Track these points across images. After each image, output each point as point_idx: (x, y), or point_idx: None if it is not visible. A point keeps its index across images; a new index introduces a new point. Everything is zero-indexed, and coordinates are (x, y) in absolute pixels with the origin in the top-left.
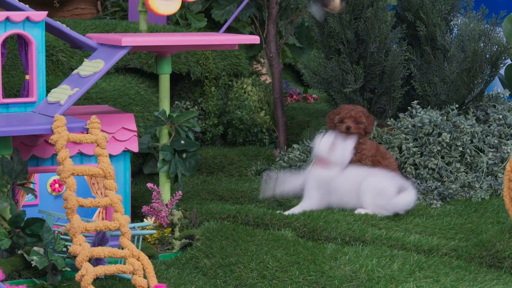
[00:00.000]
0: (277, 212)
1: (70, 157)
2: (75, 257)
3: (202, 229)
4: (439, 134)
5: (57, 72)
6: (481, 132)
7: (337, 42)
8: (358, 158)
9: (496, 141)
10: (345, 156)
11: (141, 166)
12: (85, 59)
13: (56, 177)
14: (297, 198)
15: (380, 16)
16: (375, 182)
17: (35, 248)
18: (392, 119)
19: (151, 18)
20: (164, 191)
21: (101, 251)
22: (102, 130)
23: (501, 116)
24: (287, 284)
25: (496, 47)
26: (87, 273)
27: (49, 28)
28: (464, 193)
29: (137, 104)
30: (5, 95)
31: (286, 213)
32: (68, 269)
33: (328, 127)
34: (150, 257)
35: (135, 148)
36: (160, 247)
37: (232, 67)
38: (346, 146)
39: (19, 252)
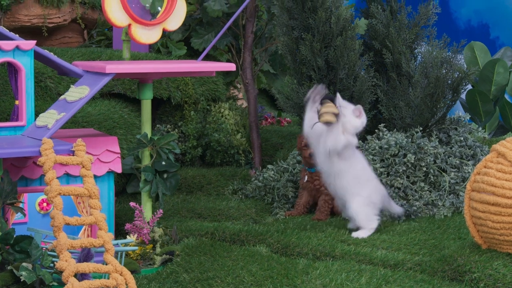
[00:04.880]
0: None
1: (57, 178)
2: (61, 272)
3: (181, 245)
4: (405, 155)
5: (45, 97)
6: (443, 153)
7: (309, 69)
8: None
9: (457, 161)
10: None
11: (125, 186)
12: (71, 85)
13: (44, 196)
14: (273, 215)
15: (348, 45)
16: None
17: (24, 264)
18: (360, 141)
19: (134, 46)
20: (146, 209)
21: (86, 266)
22: (87, 152)
23: (462, 138)
24: None
25: (457, 73)
26: (73, 287)
27: (37, 56)
28: (427, 210)
29: (120, 127)
30: None
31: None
32: (55, 283)
33: (297, 149)
34: (132, 272)
35: (118, 169)
36: (142, 263)
37: (210, 92)
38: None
39: (9, 267)
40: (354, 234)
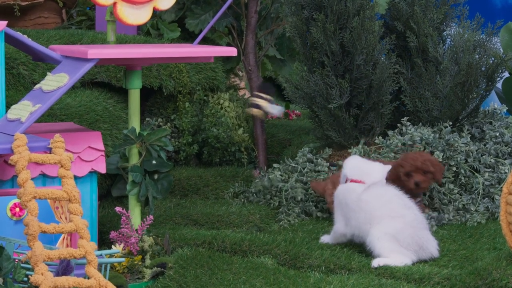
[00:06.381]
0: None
1: (32, 179)
2: (37, 287)
3: (175, 256)
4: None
5: (18, 86)
6: (476, 151)
7: (321, 54)
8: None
9: (492, 160)
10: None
11: (109, 188)
12: (48, 73)
13: (16, 200)
14: (277, 222)
15: (367, 26)
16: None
17: None
18: (380, 137)
19: (120, 28)
20: (134, 215)
21: (65, 281)
22: (66, 150)
23: (498, 134)
24: None
25: (493, 59)
26: None
27: (9, 39)
28: (458, 216)
29: (104, 121)
30: None
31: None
32: None
33: (391, 180)
34: (118, 287)
35: (102, 169)
36: (129, 276)
37: (208, 81)
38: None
39: None
40: (376, 262)
